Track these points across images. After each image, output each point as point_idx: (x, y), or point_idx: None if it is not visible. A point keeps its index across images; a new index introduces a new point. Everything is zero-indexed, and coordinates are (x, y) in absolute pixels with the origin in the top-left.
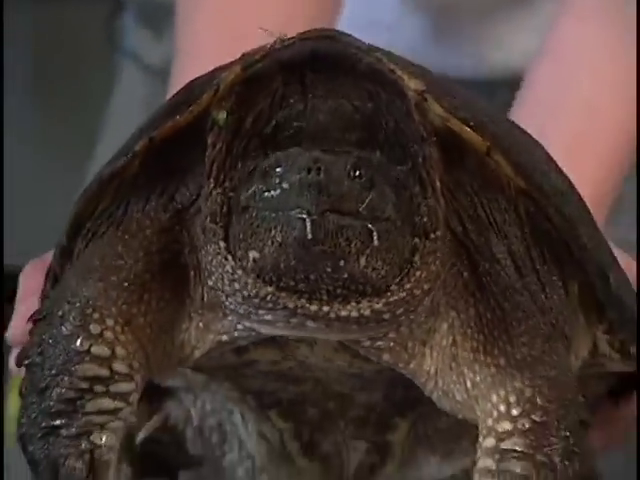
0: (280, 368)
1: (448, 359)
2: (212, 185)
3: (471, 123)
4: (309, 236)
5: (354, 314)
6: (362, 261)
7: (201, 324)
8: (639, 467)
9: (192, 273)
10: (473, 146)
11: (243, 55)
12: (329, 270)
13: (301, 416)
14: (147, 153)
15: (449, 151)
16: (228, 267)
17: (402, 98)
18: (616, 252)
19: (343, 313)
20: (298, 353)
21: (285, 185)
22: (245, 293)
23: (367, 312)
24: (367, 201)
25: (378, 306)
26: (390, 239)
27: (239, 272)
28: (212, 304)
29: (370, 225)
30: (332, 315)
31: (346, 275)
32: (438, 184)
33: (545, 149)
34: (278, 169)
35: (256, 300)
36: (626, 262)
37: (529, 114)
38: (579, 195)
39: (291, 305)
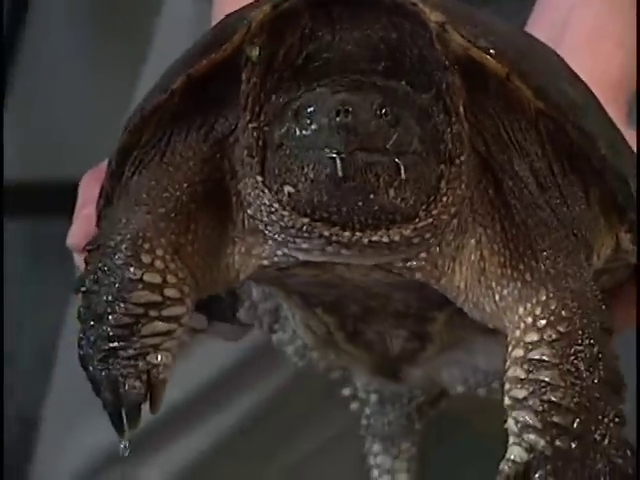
0: (320, 279)
1: (477, 274)
2: (248, 118)
3: (491, 51)
4: (340, 174)
5: (385, 239)
6: (391, 193)
7: (243, 248)
8: (639, 467)
9: (234, 199)
10: (494, 72)
11: None
12: (360, 203)
13: (344, 311)
14: (185, 89)
15: (471, 77)
16: (265, 200)
17: (424, 29)
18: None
19: (374, 238)
20: (336, 270)
21: (315, 126)
22: (282, 224)
23: (397, 237)
24: (394, 138)
25: (407, 232)
26: (417, 170)
27: (276, 205)
28: (253, 229)
29: (397, 160)
30: (365, 241)
31: (376, 207)
32: (462, 109)
33: (563, 60)
34: (309, 108)
35: (293, 230)
36: None
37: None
38: (597, 103)
39: (326, 233)
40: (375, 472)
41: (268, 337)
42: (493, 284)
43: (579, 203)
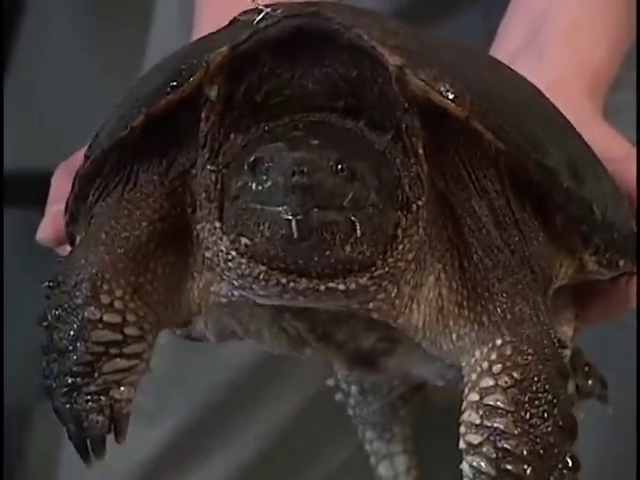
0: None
1: (435, 312)
2: (206, 157)
3: (449, 95)
4: (295, 235)
5: (341, 287)
6: (347, 249)
7: (202, 284)
8: (639, 466)
9: (194, 233)
10: (453, 114)
11: (233, 20)
12: (316, 258)
13: (313, 317)
14: (145, 126)
15: (431, 116)
16: (222, 247)
17: (384, 69)
18: (618, 147)
19: (331, 285)
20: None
21: (271, 182)
22: (239, 272)
23: (353, 286)
24: (350, 195)
25: (363, 280)
26: (373, 224)
27: (233, 252)
28: (210, 266)
29: (353, 217)
30: (322, 288)
31: (332, 260)
32: (421, 151)
33: (530, 84)
34: (266, 164)
35: (249, 278)
36: (627, 158)
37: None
38: (565, 125)
39: (283, 281)
40: (373, 459)
41: (277, 361)
42: (451, 323)
43: (538, 237)
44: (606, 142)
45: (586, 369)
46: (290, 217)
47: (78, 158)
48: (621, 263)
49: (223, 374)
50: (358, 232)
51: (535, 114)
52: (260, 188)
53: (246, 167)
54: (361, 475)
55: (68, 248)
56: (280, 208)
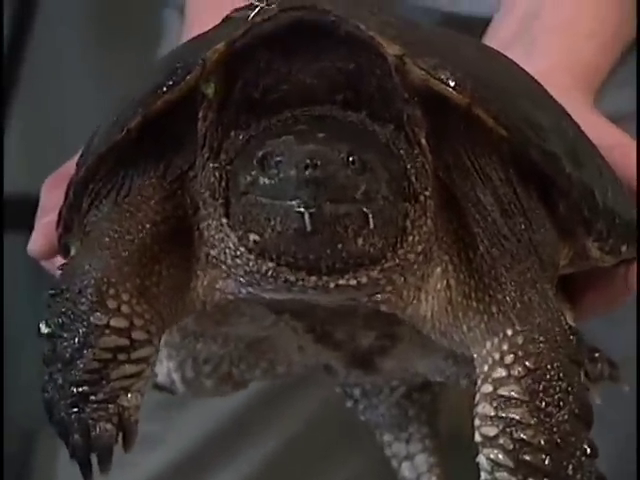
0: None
1: (443, 302)
2: (207, 156)
3: (450, 82)
4: (308, 228)
5: (352, 282)
6: (359, 242)
7: (206, 282)
8: (639, 467)
9: (196, 234)
10: (454, 102)
11: (226, 17)
12: (328, 252)
13: (312, 316)
14: (141, 127)
15: (432, 106)
16: (230, 244)
17: (383, 60)
18: (612, 135)
19: (341, 282)
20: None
21: (283, 176)
22: (247, 268)
23: (364, 280)
24: (362, 187)
25: (374, 274)
26: (385, 215)
27: (242, 249)
28: (215, 264)
29: (365, 209)
30: (331, 285)
31: (344, 254)
32: (424, 141)
33: (527, 75)
34: (276, 158)
35: (257, 275)
36: (623, 145)
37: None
38: (562, 113)
39: (292, 278)
40: (394, 462)
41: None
42: (460, 314)
43: (544, 224)
44: (599, 130)
45: (593, 354)
46: (303, 210)
47: (67, 170)
48: (623, 249)
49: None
50: (371, 224)
51: (534, 100)
52: (271, 182)
53: (255, 162)
54: None
55: (60, 260)
56: (293, 202)
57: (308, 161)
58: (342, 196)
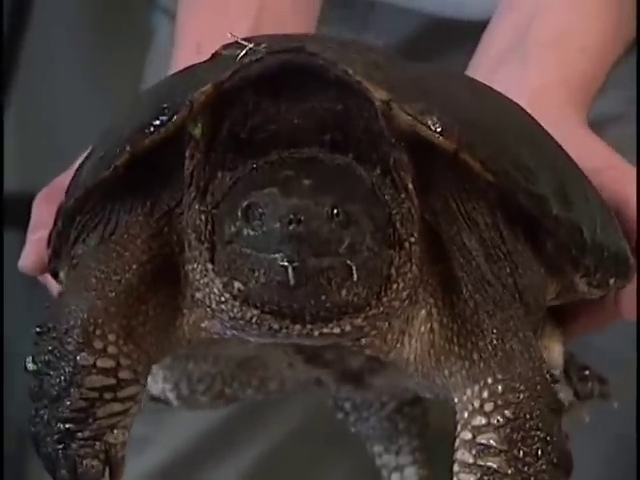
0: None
1: (427, 346)
2: (193, 195)
3: (437, 128)
4: (292, 281)
5: (336, 330)
6: (343, 293)
7: (192, 320)
8: (639, 467)
9: (182, 272)
10: (441, 147)
11: (215, 54)
12: (312, 303)
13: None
14: (128, 164)
15: (419, 150)
16: (215, 289)
17: (370, 103)
18: (601, 157)
19: (325, 330)
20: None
21: (266, 229)
22: (231, 314)
23: (348, 328)
24: (347, 241)
25: (358, 321)
26: (369, 266)
27: (226, 295)
28: (200, 305)
29: (349, 261)
30: (315, 333)
31: (328, 304)
32: (411, 186)
33: (515, 104)
34: (259, 210)
35: (242, 321)
36: (612, 168)
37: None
38: (552, 144)
39: (276, 326)
40: (384, 472)
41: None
42: (442, 358)
43: (531, 266)
44: (591, 152)
45: (583, 372)
46: (287, 264)
47: (59, 184)
48: (611, 282)
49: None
50: (355, 276)
51: (523, 138)
52: (255, 234)
53: (239, 212)
54: None
55: (50, 278)
56: (276, 255)
57: (292, 216)
58: (326, 250)
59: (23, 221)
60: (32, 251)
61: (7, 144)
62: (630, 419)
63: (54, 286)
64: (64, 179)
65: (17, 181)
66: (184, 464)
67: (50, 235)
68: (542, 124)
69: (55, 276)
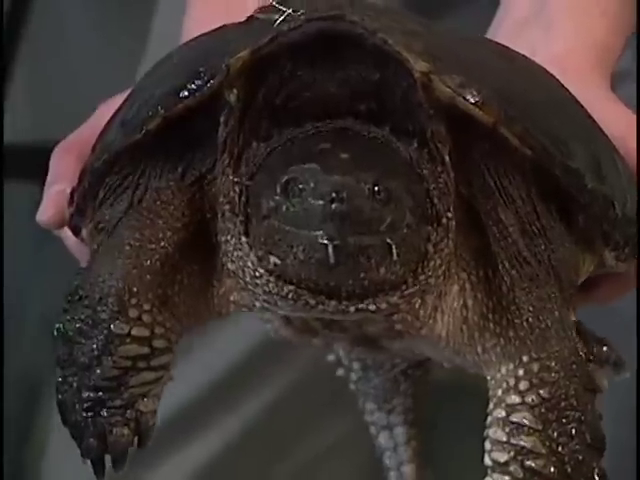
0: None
1: (459, 322)
2: (226, 162)
3: (477, 101)
4: (332, 260)
5: (371, 307)
6: (382, 271)
7: (221, 292)
8: (639, 467)
9: (214, 240)
10: (479, 120)
11: (250, 17)
12: (350, 281)
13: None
14: (160, 129)
15: (456, 122)
16: (249, 263)
17: (408, 76)
18: (622, 117)
19: (361, 306)
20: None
21: (308, 206)
22: (266, 289)
23: (383, 305)
24: (387, 220)
25: (394, 299)
26: (408, 244)
27: (261, 270)
28: (232, 276)
29: (389, 240)
30: (351, 309)
31: (366, 282)
32: (447, 158)
33: (546, 74)
34: (300, 186)
35: (276, 296)
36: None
37: None
38: (585, 116)
39: (312, 302)
40: (373, 429)
41: (272, 340)
42: (476, 334)
43: (563, 242)
44: (616, 117)
45: (599, 339)
46: (327, 242)
47: (78, 137)
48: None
49: (211, 356)
50: (394, 255)
51: (556, 108)
52: (295, 210)
53: (278, 187)
54: (352, 453)
55: (68, 232)
56: (317, 233)
57: (334, 195)
58: (367, 229)
59: (33, 173)
60: (50, 205)
61: (16, 93)
62: (630, 419)
63: (72, 240)
64: (83, 131)
65: (22, 132)
66: (195, 411)
67: (72, 192)
68: (569, 89)
69: (77, 232)
